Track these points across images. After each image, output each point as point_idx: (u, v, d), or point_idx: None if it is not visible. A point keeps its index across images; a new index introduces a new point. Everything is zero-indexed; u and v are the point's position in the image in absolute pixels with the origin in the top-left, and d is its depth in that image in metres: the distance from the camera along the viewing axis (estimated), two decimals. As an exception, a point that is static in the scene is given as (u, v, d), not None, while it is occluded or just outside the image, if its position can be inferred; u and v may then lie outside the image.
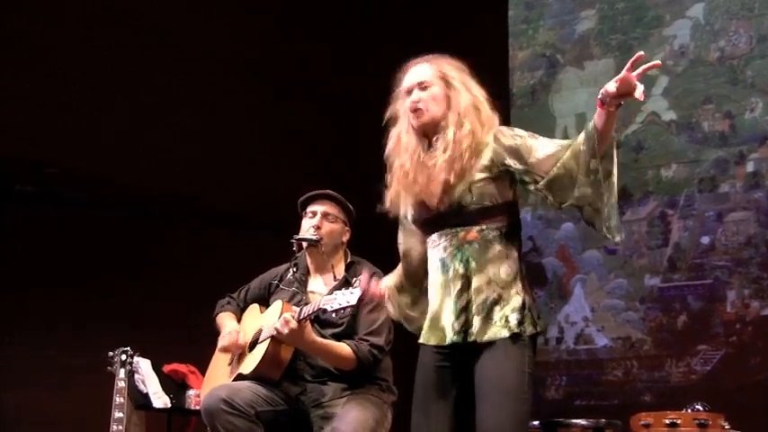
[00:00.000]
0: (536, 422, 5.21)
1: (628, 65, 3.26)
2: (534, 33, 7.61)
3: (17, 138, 7.04)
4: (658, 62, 3.39)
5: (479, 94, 3.66)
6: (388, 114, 3.77)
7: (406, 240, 3.79)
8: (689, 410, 5.19)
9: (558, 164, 3.41)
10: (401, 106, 3.72)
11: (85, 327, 7.35)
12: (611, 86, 3.28)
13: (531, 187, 3.52)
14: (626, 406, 6.28)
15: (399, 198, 3.68)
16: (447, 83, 3.66)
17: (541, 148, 3.49)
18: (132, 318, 7.49)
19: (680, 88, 6.96)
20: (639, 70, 3.27)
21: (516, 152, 3.51)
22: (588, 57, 7.33)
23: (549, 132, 7.09)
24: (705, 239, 6.75)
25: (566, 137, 7.07)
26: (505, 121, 3.75)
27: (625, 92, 3.26)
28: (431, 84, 3.66)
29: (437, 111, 3.64)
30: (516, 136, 3.54)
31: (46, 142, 7.17)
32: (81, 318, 7.44)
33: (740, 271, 6.58)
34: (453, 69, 3.69)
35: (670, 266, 6.84)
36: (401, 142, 3.69)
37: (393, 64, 3.76)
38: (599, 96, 3.33)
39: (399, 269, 3.87)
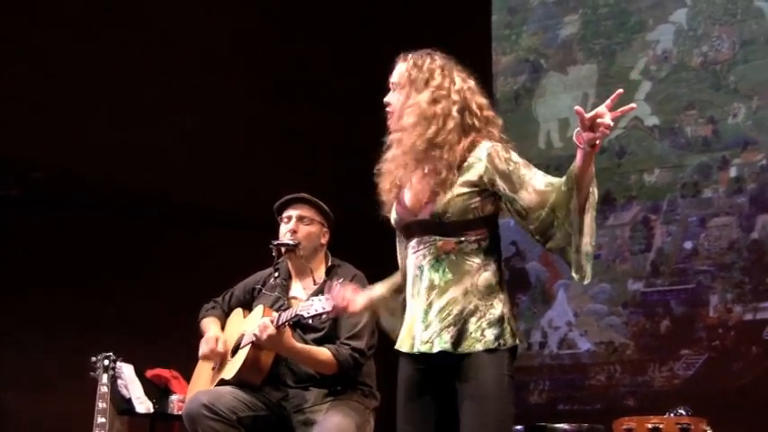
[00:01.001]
0: (519, 426, 5.03)
1: (608, 101, 3.11)
2: (517, 38, 7.41)
3: (16, 137, 6.91)
4: (634, 105, 3.28)
5: (447, 97, 3.38)
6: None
7: (405, 254, 3.57)
8: (672, 415, 4.99)
9: (547, 207, 3.24)
10: None
11: (85, 327, 7.24)
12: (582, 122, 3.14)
13: (517, 219, 3.33)
14: (609, 410, 6.09)
15: (388, 196, 3.50)
16: (410, 87, 3.42)
17: (533, 183, 3.29)
18: (132, 318, 7.50)
19: (663, 93, 6.75)
20: (617, 112, 3.13)
21: (508, 178, 3.32)
22: (571, 62, 7.12)
23: (532, 137, 7.05)
24: (688, 244, 6.54)
25: (549, 141, 7.08)
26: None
27: (590, 125, 3.10)
28: (396, 87, 3.47)
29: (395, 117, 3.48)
30: (511, 161, 3.34)
31: (45, 142, 7.08)
32: (80, 318, 7.38)
33: (723, 276, 6.39)
34: (419, 71, 3.43)
35: (653, 271, 6.64)
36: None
37: (393, 64, 3.56)
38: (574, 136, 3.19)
39: (398, 276, 3.64)
